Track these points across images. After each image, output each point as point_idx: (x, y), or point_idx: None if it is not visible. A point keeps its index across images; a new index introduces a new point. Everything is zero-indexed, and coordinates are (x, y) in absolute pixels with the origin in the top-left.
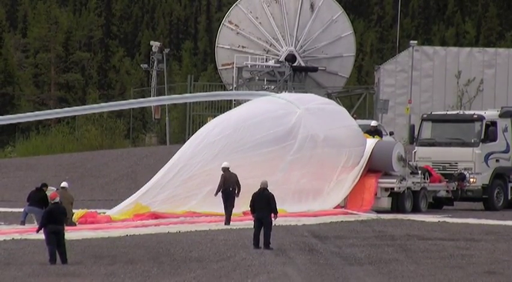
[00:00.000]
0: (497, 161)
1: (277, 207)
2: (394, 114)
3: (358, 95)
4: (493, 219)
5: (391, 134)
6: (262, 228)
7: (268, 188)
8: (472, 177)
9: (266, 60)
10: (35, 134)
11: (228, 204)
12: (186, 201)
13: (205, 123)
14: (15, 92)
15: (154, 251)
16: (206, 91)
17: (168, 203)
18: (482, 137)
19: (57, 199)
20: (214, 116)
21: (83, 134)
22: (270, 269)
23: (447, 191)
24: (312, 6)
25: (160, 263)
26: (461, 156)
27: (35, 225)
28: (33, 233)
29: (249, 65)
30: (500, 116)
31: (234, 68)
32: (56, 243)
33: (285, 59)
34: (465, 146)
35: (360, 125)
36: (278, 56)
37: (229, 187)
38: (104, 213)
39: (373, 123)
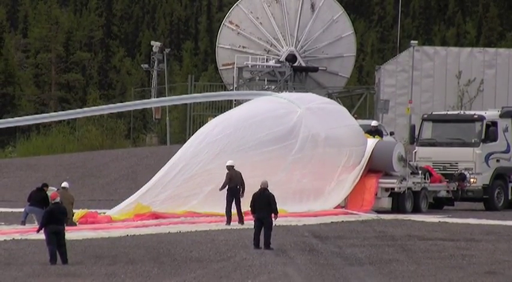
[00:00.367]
0: (497, 161)
1: (278, 208)
2: (395, 114)
3: (358, 95)
4: (493, 220)
5: (392, 134)
6: (263, 228)
7: (268, 188)
8: (472, 178)
9: (267, 61)
10: (36, 134)
11: (236, 202)
12: (187, 201)
13: (206, 123)
14: (15, 92)
15: (155, 251)
16: (207, 91)
17: (169, 202)
18: (483, 137)
19: (58, 199)
20: (215, 116)
21: (84, 134)
22: (270, 269)
23: (448, 191)
24: (312, 6)
25: (161, 263)
26: (462, 157)
27: (36, 225)
28: (33, 233)
29: (250, 65)
30: (501, 116)
31: (235, 68)
32: (57, 244)
33: (286, 59)
34: (466, 146)
35: (360, 125)
36: (279, 56)
37: (235, 185)
38: (104, 213)
39: (374, 123)
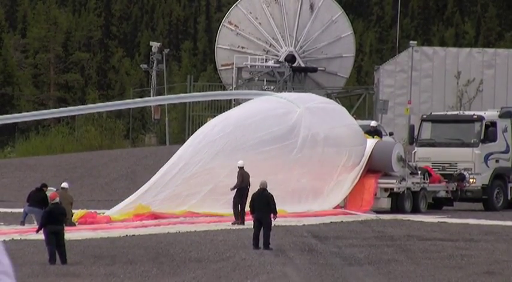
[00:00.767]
0: (496, 161)
1: (277, 208)
2: (394, 115)
3: (357, 96)
4: (492, 220)
5: (391, 134)
6: (262, 228)
7: (267, 188)
8: (471, 178)
9: (266, 61)
10: (35, 135)
11: (242, 202)
12: (187, 200)
13: (205, 123)
14: (14, 92)
15: (154, 251)
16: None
17: (169, 201)
18: (482, 137)
19: (57, 199)
20: (214, 117)
21: (83, 135)
22: (269, 269)
23: (447, 192)
24: (311, 7)
25: (160, 263)
26: (461, 157)
27: (35, 226)
28: (33, 233)
29: (249, 66)
30: (500, 116)
31: (234, 68)
32: (56, 244)
33: (285, 59)
34: (465, 147)
35: (359, 126)
36: (278, 56)
37: (246, 185)
38: (103, 213)
39: (373, 123)
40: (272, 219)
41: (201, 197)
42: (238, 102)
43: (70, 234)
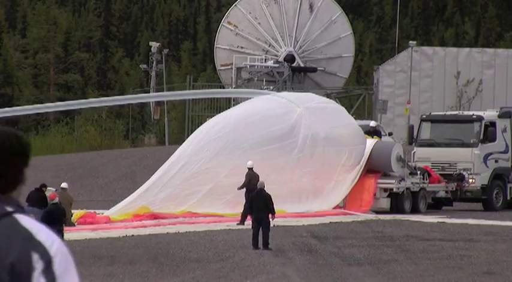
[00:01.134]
0: (496, 161)
1: (277, 208)
2: (393, 115)
3: (357, 96)
4: (492, 220)
5: (390, 134)
6: (261, 228)
7: (265, 188)
8: (471, 178)
9: (265, 61)
10: (34, 135)
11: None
12: (187, 200)
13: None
14: (14, 92)
15: (154, 251)
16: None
17: (169, 201)
18: (481, 137)
19: (56, 200)
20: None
21: (82, 135)
22: (269, 269)
23: (446, 192)
24: (311, 7)
25: (160, 263)
26: (461, 157)
27: None
28: None
29: (248, 66)
30: (499, 116)
31: (233, 68)
32: None
33: (284, 59)
34: (464, 147)
35: (359, 126)
36: (277, 56)
37: (254, 186)
38: (102, 213)
39: (372, 123)
40: (270, 219)
41: (201, 196)
42: (237, 102)
43: (70, 234)
